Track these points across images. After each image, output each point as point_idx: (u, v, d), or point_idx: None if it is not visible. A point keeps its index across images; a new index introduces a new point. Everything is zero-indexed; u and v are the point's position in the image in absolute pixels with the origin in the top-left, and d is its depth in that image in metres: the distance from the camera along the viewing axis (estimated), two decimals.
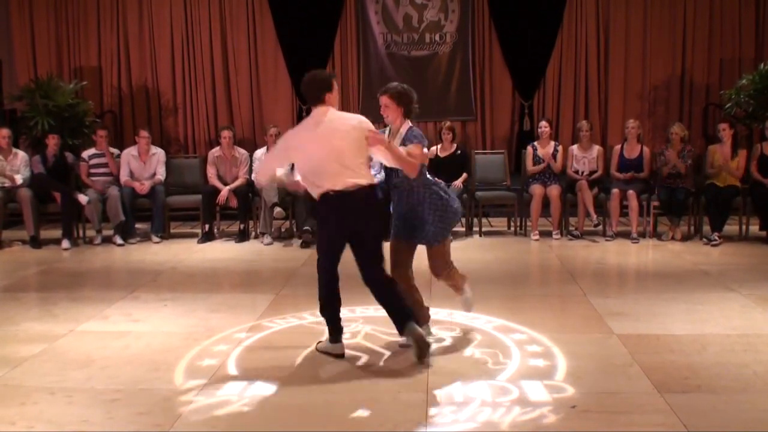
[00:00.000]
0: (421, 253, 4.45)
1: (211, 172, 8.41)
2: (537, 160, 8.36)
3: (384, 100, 4.30)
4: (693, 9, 10.40)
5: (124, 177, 8.31)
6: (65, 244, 7.83)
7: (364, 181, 4.08)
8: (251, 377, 3.95)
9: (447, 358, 4.19)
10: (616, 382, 3.81)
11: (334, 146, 4.05)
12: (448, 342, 4.48)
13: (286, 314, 5.11)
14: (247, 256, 7.46)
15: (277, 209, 7.93)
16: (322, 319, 4.30)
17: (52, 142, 8.24)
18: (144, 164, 8.41)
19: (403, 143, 4.22)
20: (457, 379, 3.84)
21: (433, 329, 4.64)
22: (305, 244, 7.67)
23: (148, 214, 8.46)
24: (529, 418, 3.37)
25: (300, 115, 10.19)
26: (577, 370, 3.95)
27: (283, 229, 8.61)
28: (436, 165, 8.41)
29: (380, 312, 4.32)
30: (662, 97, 10.58)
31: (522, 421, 3.35)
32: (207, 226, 8.26)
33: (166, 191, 8.43)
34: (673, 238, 7.88)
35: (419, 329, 4.09)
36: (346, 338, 4.30)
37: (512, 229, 8.66)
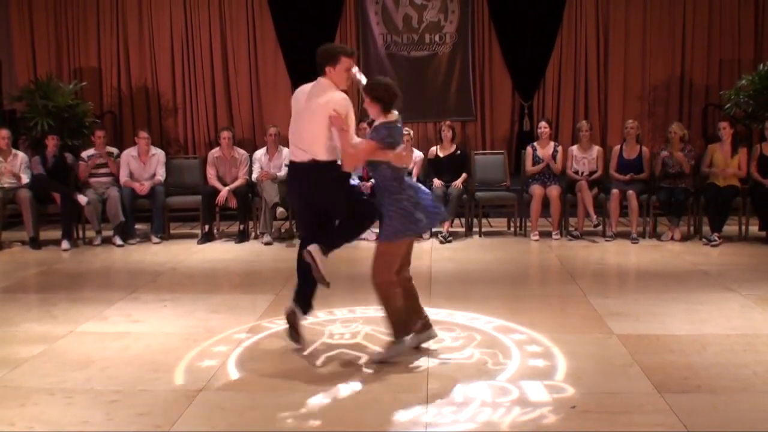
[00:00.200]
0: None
1: (210, 172, 8.41)
2: (537, 160, 8.36)
3: (365, 97, 4.22)
4: (692, 9, 10.40)
5: (123, 178, 8.31)
6: (65, 244, 7.83)
7: (319, 158, 4.11)
8: (251, 378, 3.95)
9: (447, 359, 4.19)
10: (616, 383, 3.81)
11: (298, 119, 4.21)
12: (447, 342, 4.47)
13: None
14: (246, 256, 7.46)
15: (279, 209, 7.92)
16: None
17: (52, 142, 8.23)
18: (144, 165, 8.41)
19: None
20: (457, 379, 3.84)
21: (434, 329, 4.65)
22: None
23: (147, 215, 8.46)
24: (528, 419, 3.37)
25: None
26: (577, 371, 3.95)
27: (283, 230, 8.61)
28: (436, 165, 8.44)
29: (380, 312, 4.32)
30: (662, 97, 10.59)
31: (522, 421, 3.35)
32: (207, 227, 8.26)
33: (166, 192, 8.43)
34: (672, 239, 7.88)
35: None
36: (346, 339, 4.29)
37: (512, 229, 8.66)
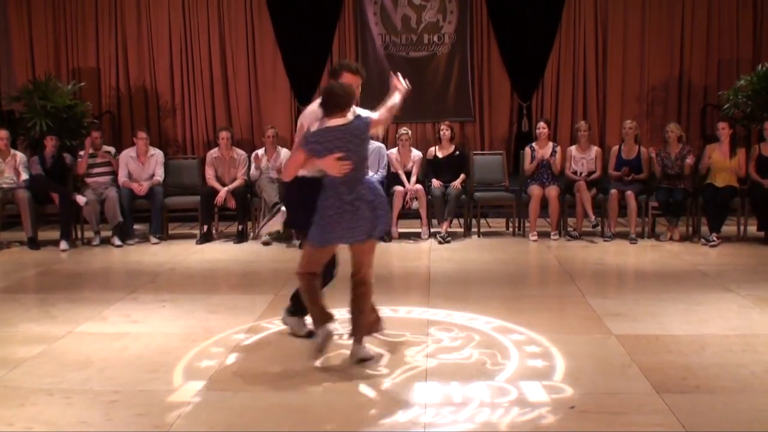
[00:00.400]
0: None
1: (209, 173, 8.40)
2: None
3: None
4: (691, 10, 10.40)
5: (122, 178, 8.31)
6: (63, 245, 7.82)
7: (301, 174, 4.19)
8: (250, 378, 3.95)
9: (445, 359, 4.19)
10: (615, 383, 3.82)
11: None
12: (446, 342, 4.47)
13: None
14: (245, 257, 7.46)
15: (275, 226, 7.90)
16: None
17: (50, 143, 8.22)
18: (142, 165, 8.41)
19: None
20: (455, 379, 3.84)
21: (432, 329, 4.66)
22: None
23: (146, 215, 8.45)
24: (527, 419, 3.38)
25: (298, 116, 10.17)
26: (576, 371, 3.95)
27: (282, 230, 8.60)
28: (435, 166, 8.44)
29: (380, 313, 4.32)
30: (660, 97, 10.59)
31: (520, 421, 3.35)
32: (205, 227, 8.26)
33: (165, 192, 8.43)
34: (671, 239, 7.89)
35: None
36: (345, 339, 4.30)
37: (510, 229, 8.66)
